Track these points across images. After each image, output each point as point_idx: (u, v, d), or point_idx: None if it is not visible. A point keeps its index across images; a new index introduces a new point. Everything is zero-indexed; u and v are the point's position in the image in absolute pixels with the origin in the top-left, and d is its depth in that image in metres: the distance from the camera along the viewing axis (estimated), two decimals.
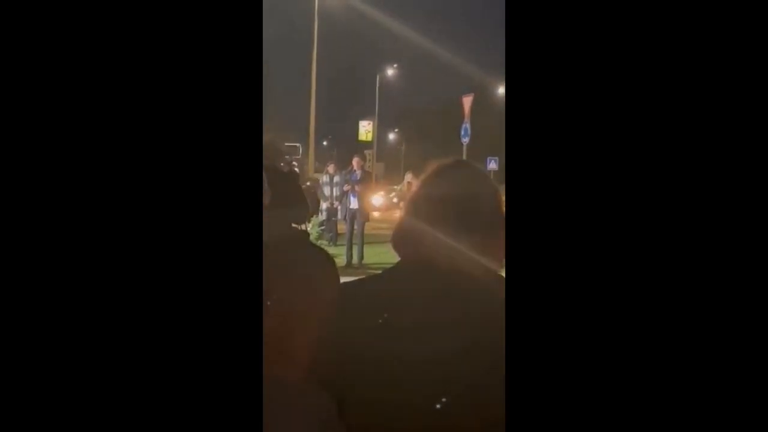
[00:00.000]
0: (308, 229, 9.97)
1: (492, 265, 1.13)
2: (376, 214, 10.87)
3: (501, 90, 40.25)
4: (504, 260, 1.12)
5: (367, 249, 9.39)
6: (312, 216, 10.79)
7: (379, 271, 1.23)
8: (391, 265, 1.19)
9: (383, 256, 8.91)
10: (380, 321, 1.09)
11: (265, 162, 1.38)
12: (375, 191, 11.56)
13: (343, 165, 11.53)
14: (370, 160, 24.33)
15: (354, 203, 9.61)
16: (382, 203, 11.41)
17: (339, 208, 10.46)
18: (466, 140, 13.17)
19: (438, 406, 1.03)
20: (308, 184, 12.33)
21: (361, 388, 1.06)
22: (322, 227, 11.69)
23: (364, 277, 1.25)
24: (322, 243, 10.31)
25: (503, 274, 1.11)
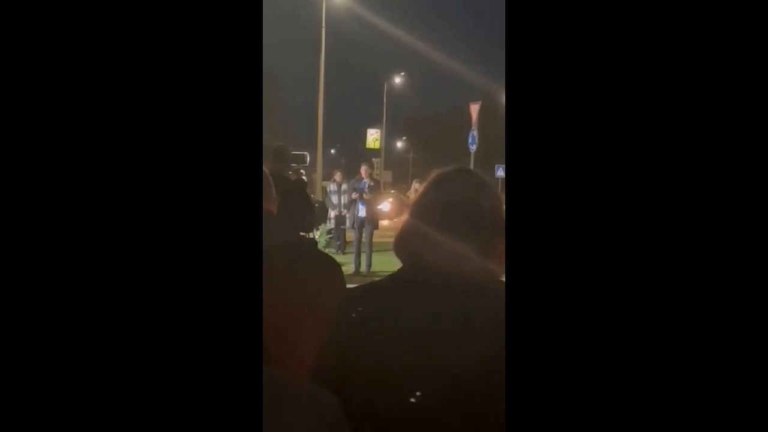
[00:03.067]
0: (316, 237, 9.95)
1: (493, 270, 1.14)
2: (385, 222, 10.78)
3: None
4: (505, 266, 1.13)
5: (375, 257, 9.37)
6: (320, 224, 10.78)
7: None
8: (393, 272, 1.21)
9: (391, 264, 8.83)
10: (353, 315, 1.10)
11: (273, 170, 1.40)
12: (384, 197, 11.46)
13: (351, 173, 11.51)
14: (377, 168, 24.25)
15: (362, 211, 9.59)
16: (390, 209, 11.30)
17: (347, 216, 10.43)
18: (473, 148, 13.11)
19: (412, 399, 1.04)
20: (320, 201, 12.31)
21: (365, 392, 1.07)
22: (330, 235, 11.66)
23: (366, 283, 1.27)
24: (330, 251, 10.29)
25: (504, 279, 1.12)
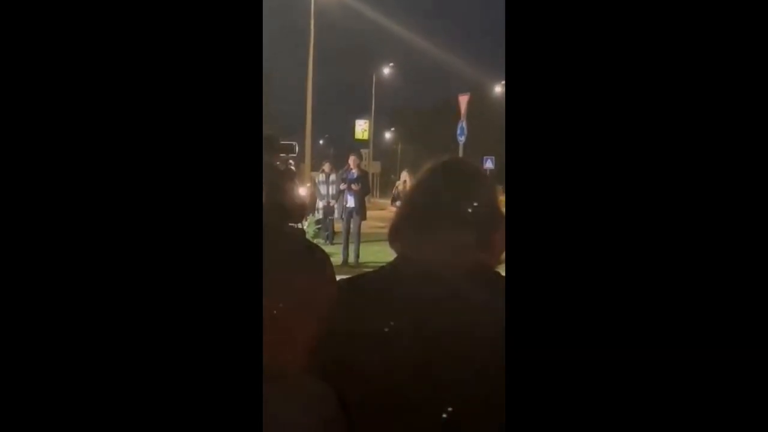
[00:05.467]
0: (305, 227, 9.97)
1: (488, 261, 1.14)
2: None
3: (497, 89, 40.34)
4: (500, 256, 1.13)
5: (363, 247, 9.41)
6: (308, 214, 10.82)
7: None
8: (387, 263, 1.20)
9: (380, 254, 8.92)
10: (386, 329, 1.09)
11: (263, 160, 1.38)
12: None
13: (340, 164, 11.54)
14: (366, 159, 24.33)
15: (351, 202, 9.63)
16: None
17: (335, 206, 10.46)
18: (462, 139, 13.19)
19: (444, 415, 1.03)
20: (308, 185, 12.37)
21: (359, 385, 1.07)
22: (319, 226, 11.70)
23: (360, 274, 1.26)
24: (319, 241, 10.32)
25: (499, 269, 1.11)
